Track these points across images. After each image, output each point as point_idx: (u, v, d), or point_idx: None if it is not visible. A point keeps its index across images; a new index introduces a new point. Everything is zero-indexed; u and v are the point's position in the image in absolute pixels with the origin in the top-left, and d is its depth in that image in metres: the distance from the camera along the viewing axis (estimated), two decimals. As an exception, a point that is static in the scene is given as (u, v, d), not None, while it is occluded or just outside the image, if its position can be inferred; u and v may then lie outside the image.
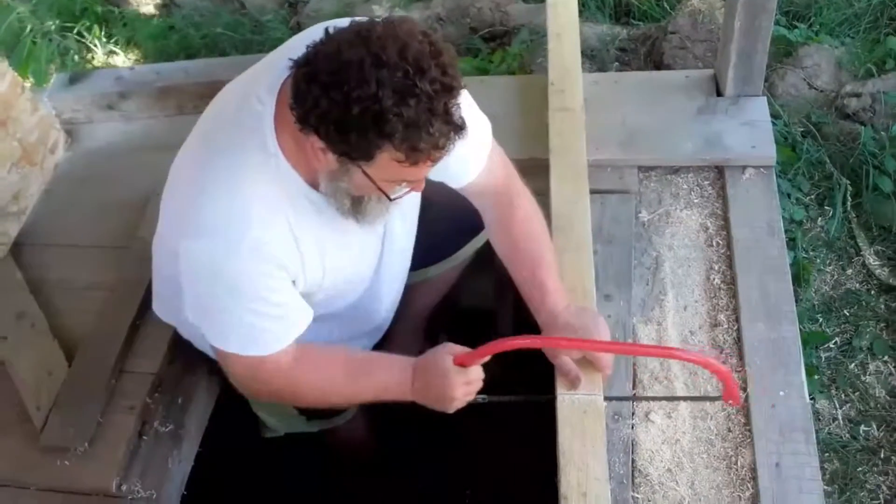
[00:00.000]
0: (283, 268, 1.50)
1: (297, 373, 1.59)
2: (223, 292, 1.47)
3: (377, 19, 1.34)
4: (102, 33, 3.90)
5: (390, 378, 1.63)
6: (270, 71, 1.46)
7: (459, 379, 1.57)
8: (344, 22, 1.36)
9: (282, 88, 1.42)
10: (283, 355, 1.55)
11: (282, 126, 1.41)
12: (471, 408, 1.68)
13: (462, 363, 1.57)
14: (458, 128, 1.32)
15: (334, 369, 1.63)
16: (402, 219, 1.76)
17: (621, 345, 1.63)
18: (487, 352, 1.56)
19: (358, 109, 1.24)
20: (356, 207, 1.50)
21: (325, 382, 1.64)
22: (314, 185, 1.48)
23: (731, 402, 1.61)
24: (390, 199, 1.46)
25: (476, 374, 1.60)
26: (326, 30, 1.33)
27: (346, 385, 1.64)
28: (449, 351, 1.59)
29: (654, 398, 1.77)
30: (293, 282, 1.54)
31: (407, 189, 1.46)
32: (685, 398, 1.78)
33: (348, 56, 1.25)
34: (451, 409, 1.61)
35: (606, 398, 1.67)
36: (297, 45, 1.40)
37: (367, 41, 1.26)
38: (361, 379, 1.64)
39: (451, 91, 1.29)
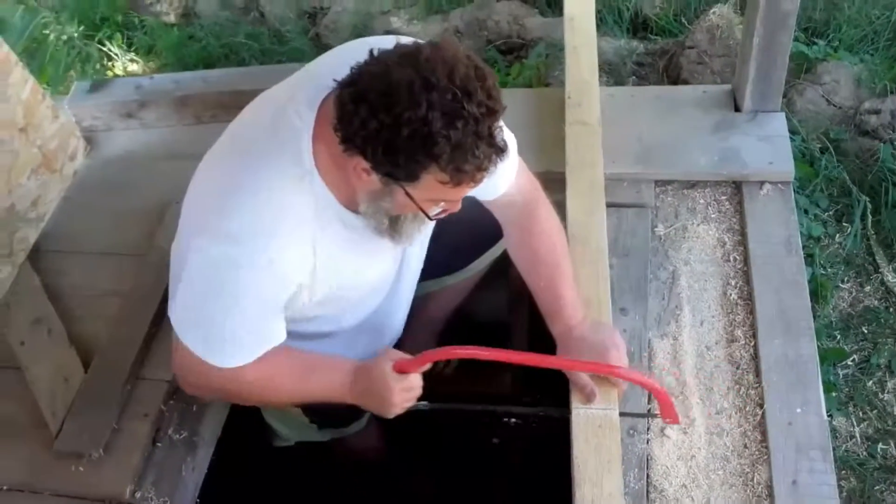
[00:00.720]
0: (287, 287, 1.50)
1: (236, 375, 1.57)
2: (221, 297, 1.47)
3: (421, 42, 1.35)
4: (123, 42, 3.94)
5: (331, 380, 1.64)
6: (309, 85, 1.46)
7: (398, 385, 1.58)
8: (387, 42, 1.36)
9: (322, 105, 1.42)
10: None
11: (319, 143, 1.41)
12: (485, 419, 1.68)
13: (402, 370, 1.58)
14: (501, 150, 1.33)
15: (276, 370, 1.62)
16: (419, 236, 1.76)
17: (563, 360, 1.63)
18: (427, 359, 1.58)
19: (408, 131, 1.25)
20: (393, 226, 1.51)
21: (266, 383, 1.62)
22: (346, 204, 1.48)
23: (668, 420, 1.68)
24: (430, 219, 1.47)
25: (415, 382, 1.61)
26: (371, 51, 1.33)
27: (287, 386, 1.64)
28: (389, 357, 1.60)
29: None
30: (291, 296, 1.54)
31: (443, 208, 1.47)
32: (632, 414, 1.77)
33: (397, 78, 1.25)
34: (390, 415, 1.62)
35: (624, 414, 1.67)
36: (338, 63, 1.40)
37: (415, 63, 1.27)
38: (302, 380, 1.64)
39: (494, 114, 1.30)
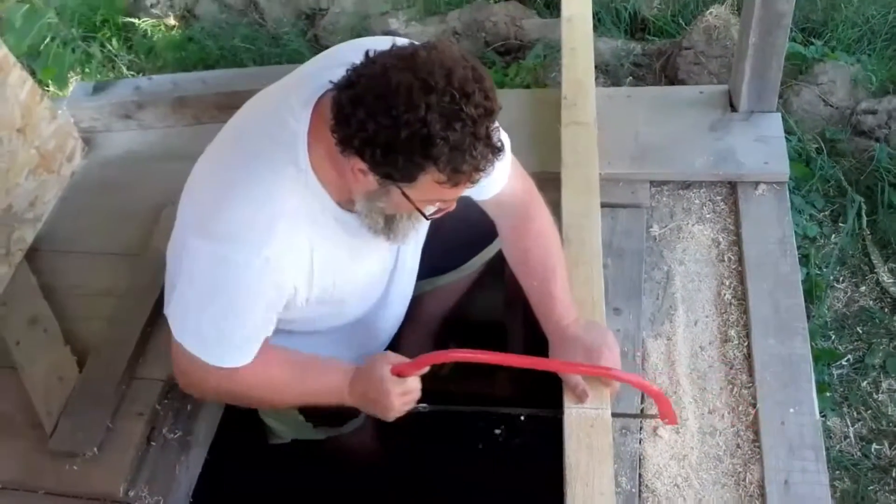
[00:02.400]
0: (284, 290, 1.50)
1: (236, 376, 1.58)
2: (218, 298, 1.47)
3: (417, 43, 1.35)
4: (122, 43, 3.95)
5: (328, 383, 1.65)
6: (304, 85, 1.46)
7: (396, 389, 1.59)
8: (383, 43, 1.36)
9: (317, 106, 1.42)
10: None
11: (315, 143, 1.42)
12: (480, 421, 1.68)
13: (400, 373, 1.59)
14: (498, 150, 1.34)
15: (274, 373, 1.62)
16: (415, 235, 1.77)
17: (558, 363, 1.65)
18: (425, 362, 1.58)
19: (406, 133, 1.25)
20: (389, 225, 1.51)
21: (263, 386, 1.63)
22: (341, 203, 1.49)
23: (666, 420, 1.68)
24: (427, 218, 1.47)
25: (413, 385, 1.62)
26: (367, 52, 1.34)
27: (285, 388, 1.65)
28: (387, 360, 1.60)
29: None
30: (287, 303, 1.54)
31: (440, 207, 1.47)
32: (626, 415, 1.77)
33: (396, 80, 1.26)
34: (389, 418, 1.63)
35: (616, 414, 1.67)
36: (333, 63, 1.41)
37: (413, 66, 1.27)
38: (300, 383, 1.65)
39: (491, 115, 1.31)
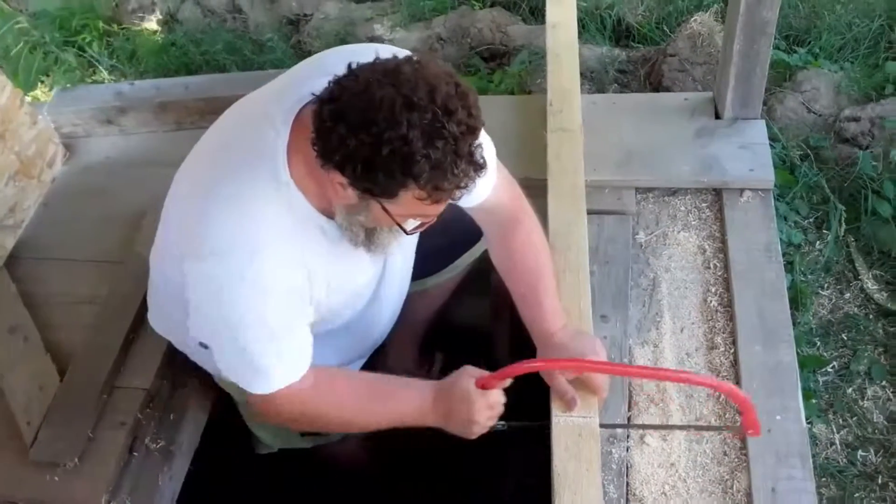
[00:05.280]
0: (290, 293, 1.49)
1: (314, 400, 1.58)
2: (228, 320, 1.46)
3: (400, 57, 1.34)
4: (104, 48, 3.92)
5: (410, 403, 1.62)
6: (285, 96, 1.45)
7: (482, 402, 1.56)
8: (366, 54, 1.34)
9: (297, 117, 1.41)
10: (297, 384, 1.54)
11: (295, 155, 1.41)
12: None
13: (484, 386, 1.56)
14: (480, 167, 1.33)
15: (353, 395, 1.62)
16: (396, 246, 1.76)
17: (649, 370, 1.63)
18: (510, 373, 1.54)
19: (387, 150, 1.24)
20: (369, 238, 1.50)
21: (343, 409, 1.63)
22: (324, 212, 1.48)
23: (751, 432, 1.57)
24: (407, 233, 1.46)
25: (498, 398, 1.59)
26: (350, 65, 1.32)
27: (365, 411, 1.63)
28: (470, 374, 1.58)
29: (655, 427, 1.76)
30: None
31: (421, 222, 1.46)
32: (699, 427, 1.75)
33: (379, 96, 1.25)
34: (473, 435, 1.60)
35: (604, 425, 1.66)
36: (315, 73, 1.40)
37: (396, 82, 1.26)
38: (380, 404, 1.63)
39: (474, 132, 1.30)
